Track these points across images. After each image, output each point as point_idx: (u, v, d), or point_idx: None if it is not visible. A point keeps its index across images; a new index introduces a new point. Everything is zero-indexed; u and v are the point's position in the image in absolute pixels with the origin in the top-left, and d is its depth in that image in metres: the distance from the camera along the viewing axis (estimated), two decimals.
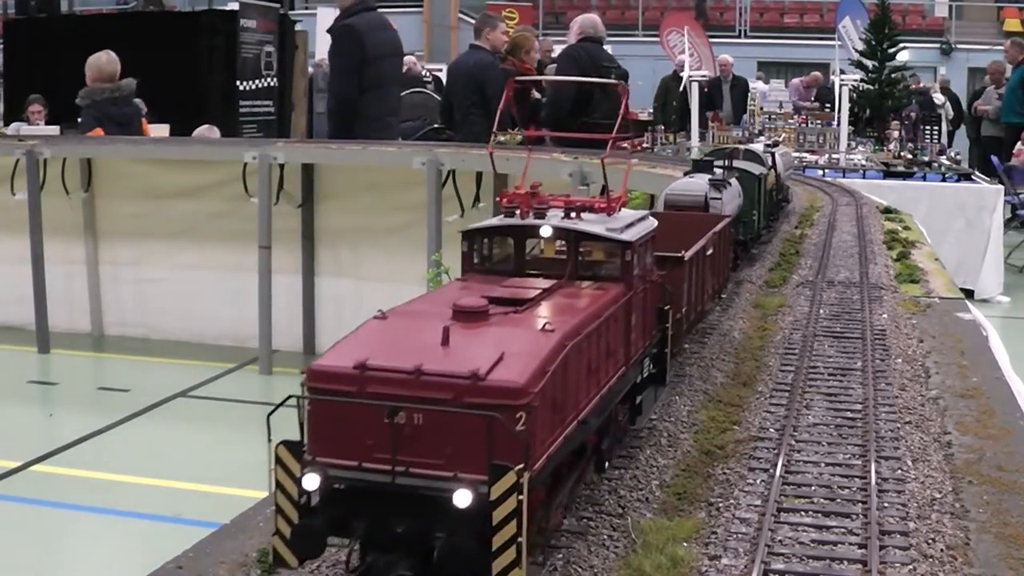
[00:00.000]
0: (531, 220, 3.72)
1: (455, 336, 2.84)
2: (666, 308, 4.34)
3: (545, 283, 3.52)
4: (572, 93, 13.27)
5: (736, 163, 7.74)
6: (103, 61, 14.98)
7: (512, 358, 2.75)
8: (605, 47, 15.02)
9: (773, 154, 9.12)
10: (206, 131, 16.00)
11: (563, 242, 3.77)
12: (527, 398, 2.67)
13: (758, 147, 9.46)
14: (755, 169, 7.80)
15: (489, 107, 13.73)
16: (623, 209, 4.04)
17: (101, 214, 14.59)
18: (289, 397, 2.78)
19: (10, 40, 21.10)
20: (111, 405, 11.73)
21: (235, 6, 19.18)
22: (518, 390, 2.66)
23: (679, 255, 4.77)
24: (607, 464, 3.67)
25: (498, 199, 3.86)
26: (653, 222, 4.13)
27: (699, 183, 6.58)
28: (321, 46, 24.93)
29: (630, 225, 3.86)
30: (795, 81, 26.12)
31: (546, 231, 3.67)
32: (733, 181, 7.15)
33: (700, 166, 7.22)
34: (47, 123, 17.04)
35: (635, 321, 3.80)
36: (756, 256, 7.98)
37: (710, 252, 5.46)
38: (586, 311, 3.31)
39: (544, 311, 3.26)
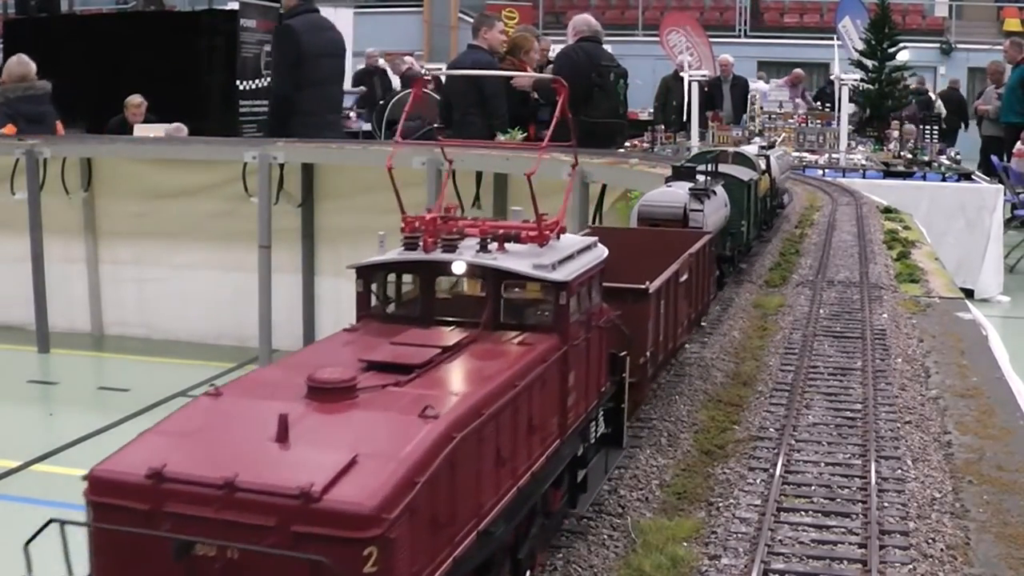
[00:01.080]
0: (437, 254, 3.06)
1: (298, 428, 2.17)
2: (622, 354, 3.71)
3: (455, 335, 2.90)
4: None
5: (723, 168, 7.17)
6: (13, 63, 15.63)
7: (368, 464, 2.07)
8: (606, 47, 15.01)
9: (768, 157, 8.62)
10: (173, 130, 16.05)
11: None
12: (379, 527, 1.98)
13: (751, 149, 8.95)
14: (744, 175, 7.27)
15: (487, 107, 13.74)
16: (563, 236, 3.36)
17: (101, 214, 14.57)
18: (49, 523, 2.15)
19: (10, 40, 21.09)
20: (111, 405, 11.72)
21: (235, 6, 19.18)
22: (365, 517, 1.97)
23: (642, 287, 4.07)
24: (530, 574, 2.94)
25: (402, 225, 3.23)
26: (602, 251, 3.51)
27: (678, 193, 5.91)
28: None
29: (568, 258, 3.20)
30: (779, 81, 26.09)
31: (459, 267, 3.04)
32: (718, 189, 6.51)
33: (681, 173, 6.42)
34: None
35: (574, 380, 3.16)
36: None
37: (685, 277, 4.75)
38: (498, 379, 2.66)
39: (437, 383, 2.59)
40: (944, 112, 25.59)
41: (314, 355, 2.80)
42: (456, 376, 2.67)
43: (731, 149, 8.14)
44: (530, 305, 3.14)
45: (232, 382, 2.55)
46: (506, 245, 3.16)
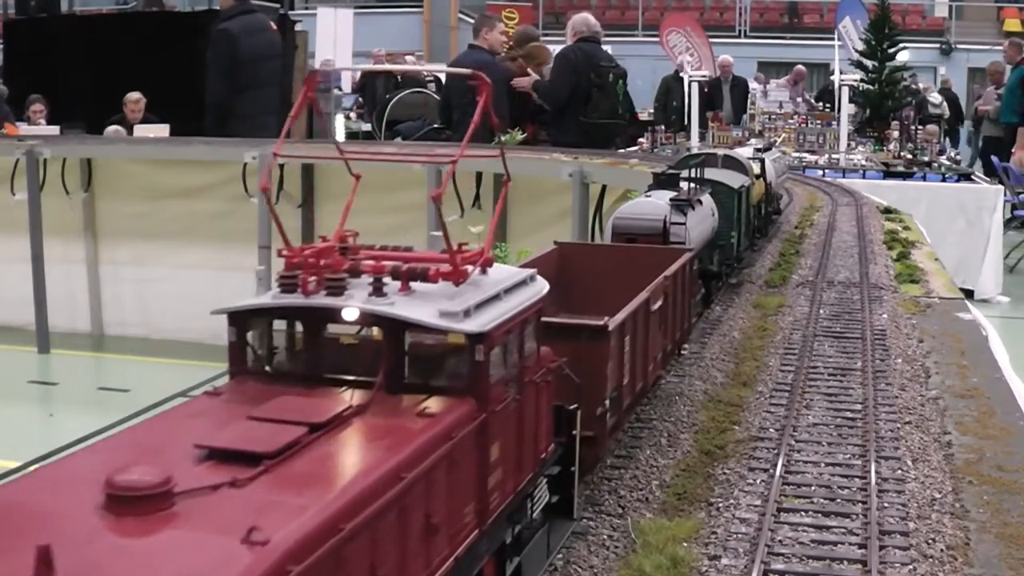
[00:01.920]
0: (320, 299, 2.49)
1: (71, 564, 1.59)
2: (572, 407, 3.15)
3: (337, 404, 2.33)
4: (566, 88, 13.23)
5: (711, 173, 6.53)
6: None
7: None
8: (606, 47, 15.00)
9: (763, 160, 8.17)
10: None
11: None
12: None
13: (744, 152, 8.40)
14: (735, 181, 6.67)
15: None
16: (494, 269, 2.82)
17: (101, 214, 14.58)
18: None
19: (10, 40, 21.10)
20: (111, 405, 11.71)
21: None
22: None
23: (599, 324, 3.48)
24: None
25: (283, 252, 2.67)
26: (540, 287, 2.94)
27: (657, 204, 5.36)
28: (321, 46, 24.97)
29: (490, 300, 2.63)
30: (780, 81, 26.09)
31: (350, 314, 2.46)
32: (705, 198, 5.95)
33: (663, 181, 5.82)
34: (47, 123, 17.05)
35: (499, 453, 2.59)
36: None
37: (659, 304, 4.16)
38: (376, 471, 2.07)
39: (288, 482, 1.99)
40: (947, 113, 25.60)
41: (149, 434, 2.23)
42: (318, 469, 2.07)
43: (721, 152, 7.41)
44: (440, 361, 2.54)
45: (24, 477, 2.01)
46: (413, 284, 2.57)
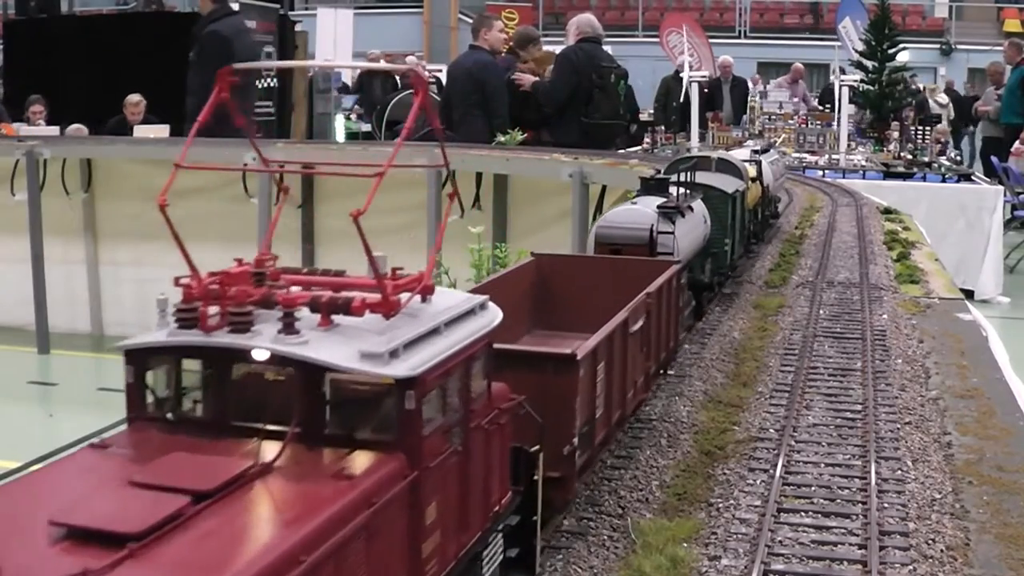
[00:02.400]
0: (222, 336, 2.20)
1: None
2: (534, 449, 2.80)
3: (240, 461, 1.98)
4: (567, 89, 13.23)
5: (704, 177, 6.25)
6: None
7: None
8: (606, 48, 14.99)
9: (759, 162, 7.86)
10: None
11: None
12: None
13: (741, 153, 8.05)
14: (729, 185, 6.41)
15: (488, 107, 13.73)
16: (437, 295, 2.49)
17: (101, 214, 14.58)
18: None
19: (10, 40, 21.09)
20: (111, 405, 11.66)
21: (235, 7, 19.16)
22: None
23: (566, 354, 3.13)
24: None
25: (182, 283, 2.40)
26: (491, 316, 2.59)
27: (644, 213, 5.00)
28: (321, 47, 24.95)
29: (427, 335, 2.29)
30: (778, 80, 26.10)
31: (260, 354, 2.14)
32: (696, 204, 5.67)
33: (651, 187, 5.45)
34: (47, 123, 17.04)
35: (437, 515, 2.25)
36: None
37: (639, 325, 3.81)
38: (273, 552, 1.73)
39: (156, 571, 1.66)
40: (953, 114, 25.61)
41: (9, 503, 1.90)
42: (191, 555, 1.71)
43: (715, 155, 7.08)
44: (365, 410, 2.18)
45: None
46: (336, 318, 2.22)
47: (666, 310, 4.33)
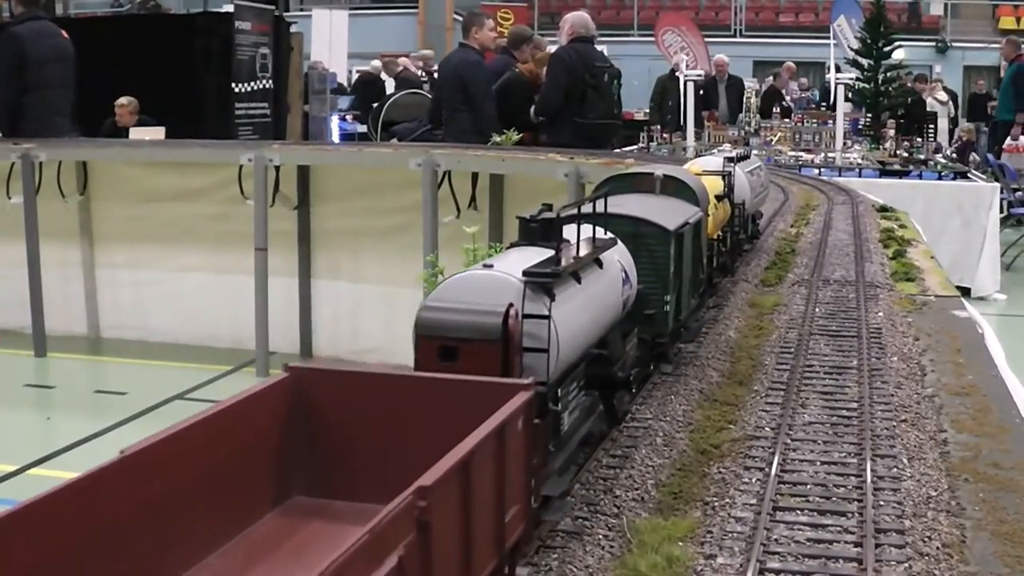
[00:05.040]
0: None
1: None
2: None
3: None
4: (562, 92, 13.22)
5: (635, 205, 4.52)
6: None
7: None
8: (602, 47, 15.01)
9: (729, 174, 6.27)
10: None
11: None
12: None
13: (709, 163, 6.61)
14: (673, 216, 4.58)
15: (473, 105, 13.75)
16: None
17: (97, 217, 14.58)
18: None
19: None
20: (108, 408, 11.72)
21: (230, 8, 19.18)
22: None
23: None
24: None
25: None
26: None
27: (500, 282, 3.07)
28: (316, 48, 24.94)
29: None
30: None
31: None
32: (609, 256, 3.76)
33: (533, 231, 3.46)
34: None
35: None
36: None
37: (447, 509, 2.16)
38: None
39: None
40: (953, 112, 25.64)
41: None
42: None
43: (660, 171, 5.17)
44: None
45: None
46: None
47: (510, 466, 2.54)
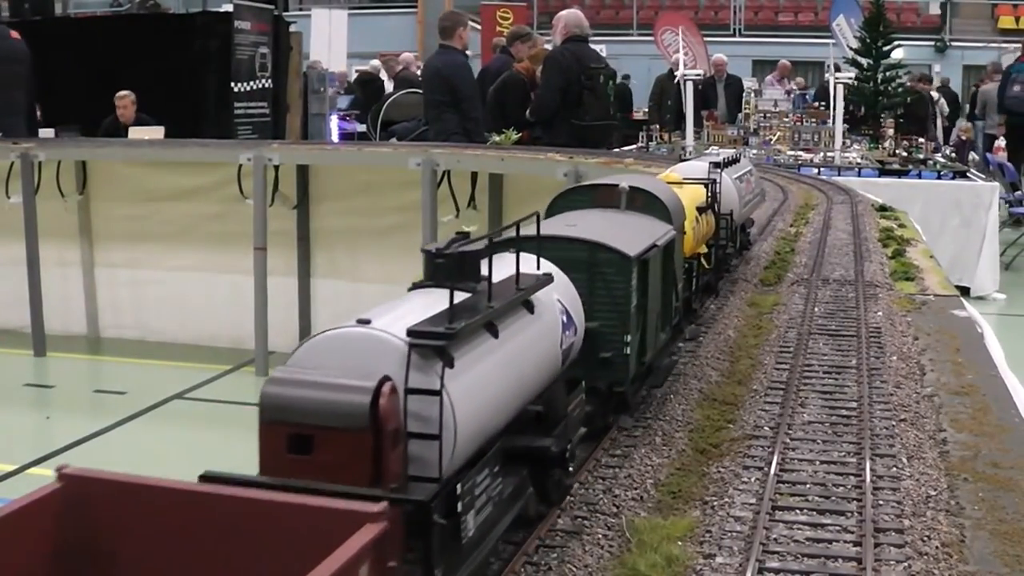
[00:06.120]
0: None
1: None
2: None
3: None
4: (557, 94, 13.19)
5: (586, 225, 3.83)
6: None
7: None
8: (600, 47, 15.00)
9: (713, 182, 5.66)
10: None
11: None
12: None
13: (693, 168, 6.07)
14: (636, 239, 3.85)
15: (460, 107, 13.76)
16: None
17: (96, 217, 14.58)
18: None
19: None
20: (108, 407, 11.72)
21: (229, 8, 19.18)
22: None
23: None
24: None
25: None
26: None
27: (382, 344, 2.31)
28: (315, 47, 24.94)
29: None
30: (768, 78, 26.16)
31: None
32: (545, 297, 3.03)
33: (440, 269, 2.68)
34: (41, 126, 17.05)
35: None
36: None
37: None
38: None
39: None
40: (947, 110, 25.67)
41: None
42: None
43: (624, 184, 4.40)
44: None
45: None
46: None
47: None
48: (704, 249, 5.61)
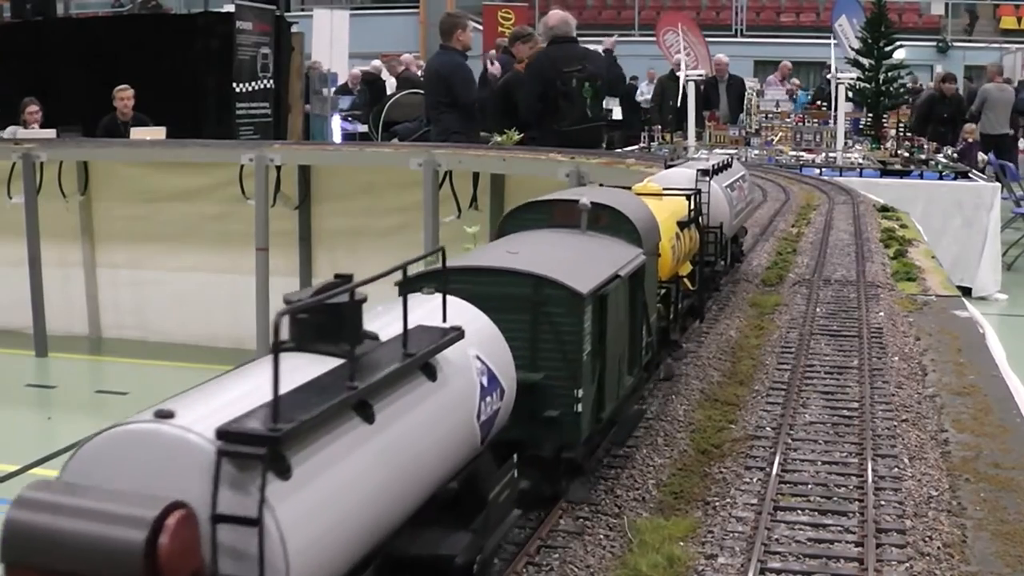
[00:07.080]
0: None
1: None
2: None
3: None
4: (535, 98, 13.15)
5: (533, 254, 3.17)
6: None
7: None
8: (599, 47, 14.96)
9: (698, 192, 5.08)
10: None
11: None
12: None
13: (678, 176, 5.49)
14: (592, 271, 3.23)
15: (458, 107, 13.76)
16: None
17: (98, 217, 14.59)
18: None
19: (5, 44, 21.10)
20: (109, 408, 11.72)
21: (231, 8, 19.19)
22: None
23: None
24: None
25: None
26: None
27: (181, 448, 1.68)
28: (317, 48, 24.94)
29: None
30: (769, 78, 26.15)
31: None
32: (455, 357, 2.40)
33: (309, 329, 2.07)
34: (43, 126, 17.05)
35: None
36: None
37: None
38: None
39: None
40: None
41: None
42: None
43: (585, 200, 3.71)
44: None
45: None
46: None
47: None
48: (687, 268, 5.03)
